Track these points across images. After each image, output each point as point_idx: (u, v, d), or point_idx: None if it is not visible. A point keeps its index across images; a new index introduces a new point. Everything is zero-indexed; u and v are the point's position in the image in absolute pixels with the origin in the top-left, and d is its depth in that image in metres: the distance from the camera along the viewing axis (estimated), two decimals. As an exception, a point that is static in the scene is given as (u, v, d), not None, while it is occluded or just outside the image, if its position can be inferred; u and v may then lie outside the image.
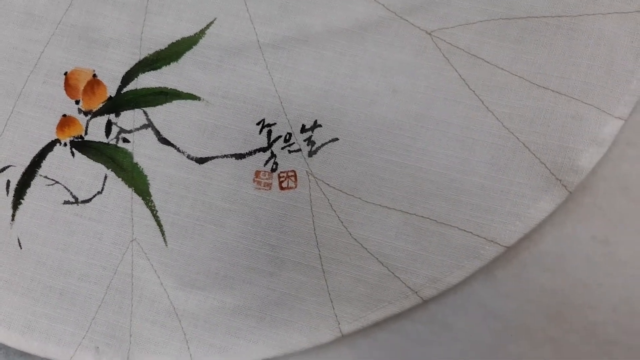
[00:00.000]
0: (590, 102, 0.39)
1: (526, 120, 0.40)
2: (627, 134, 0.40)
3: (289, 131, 0.40)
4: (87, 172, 0.42)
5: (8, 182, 0.41)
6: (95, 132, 0.42)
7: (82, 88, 0.43)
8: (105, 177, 0.42)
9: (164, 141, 0.41)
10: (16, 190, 0.42)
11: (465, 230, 0.39)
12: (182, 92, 0.42)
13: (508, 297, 0.39)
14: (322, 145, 0.40)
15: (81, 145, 0.42)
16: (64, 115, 0.42)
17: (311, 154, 0.40)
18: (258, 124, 0.41)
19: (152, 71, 0.42)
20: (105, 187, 0.42)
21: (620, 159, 0.40)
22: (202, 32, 0.42)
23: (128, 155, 0.42)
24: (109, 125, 0.42)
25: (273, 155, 0.40)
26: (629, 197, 0.39)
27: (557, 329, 0.38)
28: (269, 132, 0.41)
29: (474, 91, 0.40)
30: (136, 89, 0.42)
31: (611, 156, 0.40)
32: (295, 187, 0.40)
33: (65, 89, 0.43)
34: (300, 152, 0.40)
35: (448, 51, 0.40)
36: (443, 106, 0.40)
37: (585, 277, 0.39)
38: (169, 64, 0.42)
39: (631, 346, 0.38)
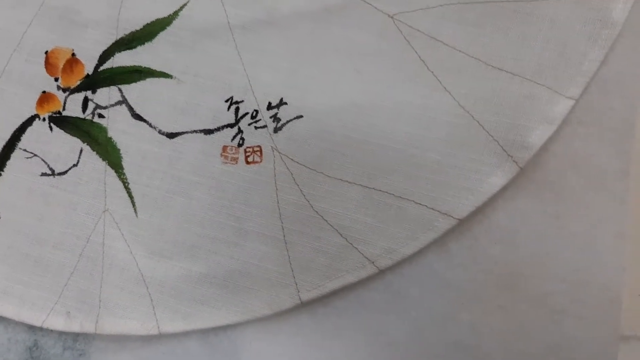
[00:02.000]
0: (543, 83, 0.41)
1: (481, 100, 0.41)
2: (579, 113, 0.42)
3: (256, 108, 0.42)
4: (63, 146, 0.44)
5: (-12, 154, 0.43)
6: (73, 108, 0.44)
7: (61, 66, 0.45)
8: (81, 151, 0.44)
9: (137, 117, 0.43)
10: (-4, 162, 0.44)
11: (420, 204, 0.40)
12: (155, 71, 0.44)
13: (461, 267, 0.40)
14: (287, 122, 0.42)
15: (59, 120, 0.44)
16: (44, 92, 0.44)
17: (276, 130, 0.42)
18: (227, 101, 0.43)
19: (127, 50, 0.44)
20: (80, 160, 0.43)
21: (571, 137, 0.41)
22: (175, 14, 0.44)
23: (103, 130, 0.44)
24: (85, 101, 0.44)
25: (240, 131, 0.42)
26: (579, 173, 0.41)
27: (508, 298, 0.40)
28: (237, 109, 0.43)
29: (432, 72, 0.42)
30: (112, 68, 0.44)
31: (563, 134, 0.41)
32: (261, 161, 0.42)
33: (46, 67, 0.45)
34: (266, 129, 0.42)
35: (409, 34, 0.42)
36: (403, 86, 0.42)
37: (536, 249, 0.40)
38: (143, 43, 0.44)
39: (580, 315, 0.40)
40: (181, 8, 0.44)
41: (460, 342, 0.40)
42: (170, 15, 0.44)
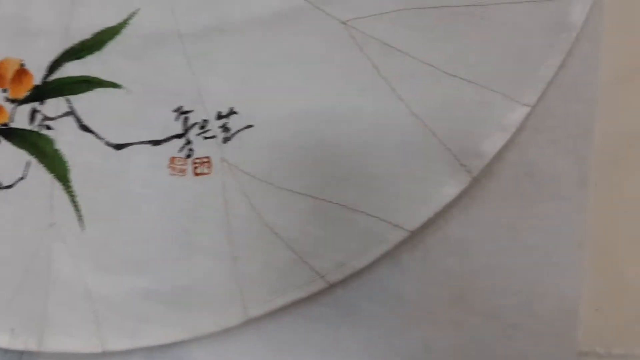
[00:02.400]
0: (498, 89, 0.40)
1: (434, 108, 0.40)
2: (535, 120, 0.40)
3: (205, 118, 0.41)
4: (11, 159, 0.43)
5: None
6: (21, 119, 0.43)
7: (10, 77, 0.44)
8: (28, 164, 0.42)
9: (85, 128, 0.42)
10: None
11: (372, 215, 0.39)
12: (104, 81, 0.43)
13: (413, 280, 0.39)
14: (237, 132, 0.41)
15: (6, 133, 0.43)
16: (-9, 104, 0.43)
17: (226, 140, 0.41)
18: (175, 111, 0.42)
19: (76, 60, 0.43)
20: (27, 173, 0.42)
21: (527, 144, 0.40)
22: (125, 22, 0.43)
23: (50, 141, 0.42)
24: (33, 112, 0.43)
25: (188, 141, 0.41)
26: (535, 182, 0.39)
27: (461, 312, 0.38)
28: (185, 119, 0.41)
29: (385, 79, 0.41)
30: (61, 78, 0.43)
31: (518, 142, 0.40)
32: (209, 173, 0.41)
33: (-6, 79, 0.44)
34: (215, 139, 0.41)
35: (362, 40, 0.41)
36: (356, 94, 0.40)
37: (490, 261, 0.39)
38: (92, 53, 0.43)
39: (535, 330, 0.38)
40: (131, 16, 0.43)
41: (412, 358, 0.38)
42: (119, 23, 0.43)
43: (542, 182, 0.40)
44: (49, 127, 0.43)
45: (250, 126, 0.41)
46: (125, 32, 0.43)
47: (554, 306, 0.38)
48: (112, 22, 0.43)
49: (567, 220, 0.39)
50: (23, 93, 0.43)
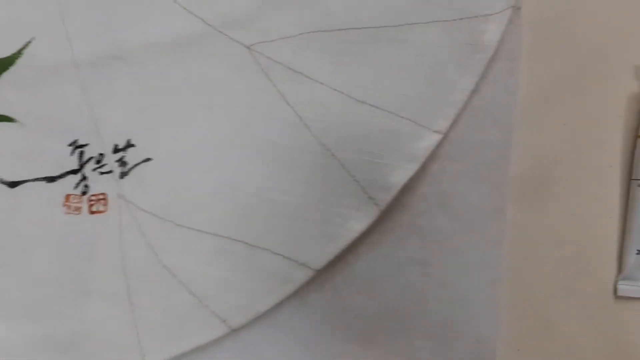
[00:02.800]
0: (407, 116, 0.37)
1: (342, 137, 0.37)
2: (449, 148, 0.38)
3: (102, 152, 0.38)
4: None
5: None
6: None
7: None
8: None
9: (-25, 165, 0.39)
10: None
11: (276, 254, 0.36)
12: (-4, 114, 0.40)
13: (320, 322, 0.36)
14: (135, 165, 0.38)
15: None
16: None
17: (123, 175, 0.38)
18: (70, 145, 0.39)
19: (-31, 93, 0.40)
20: None
21: (440, 174, 0.37)
22: (19, 53, 0.41)
23: (-61, 180, 0.40)
24: None
25: (84, 177, 0.38)
26: (449, 215, 0.37)
27: (372, 355, 0.36)
28: (81, 154, 0.39)
29: (292, 107, 0.38)
30: (-48, 112, 0.40)
31: (430, 172, 0.37)
32: (105, 210, 0.38)
33: None
34: (111, 174, 0.38)
35: (267, 66, 0.38)
36: (261, 123, 0.38)
37: (401, 300, 0.36)
38: (-15, 85, 0.40)
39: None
40: (25, 46, 0.40)
41: (319, 407, 0.36)
42: (13, 54, 0.40)
43: (456, 214, 0.37)
44: (-62, 165, 0.40)
45: (148, 159, 0.38)
46: (19, 62, 0.40)
47: (471, 348, 0.36)
48: (5, 52, 0.41)
49: (483, 254, 0.37)
50: None
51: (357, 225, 0.36)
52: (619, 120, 0.37)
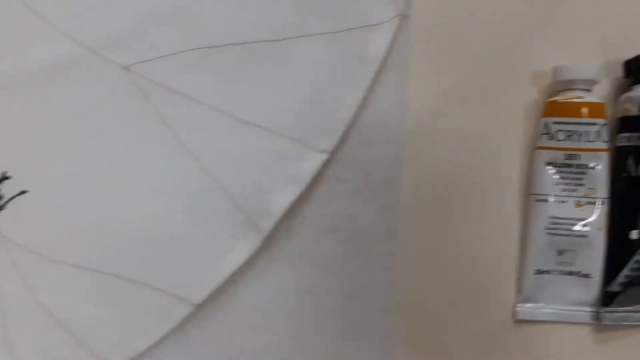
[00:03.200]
0: (292, 136, 0.35)
1: (225, 160, 0.35)
2: (337, 168, 0.36)
3: (-25, 186, 0.36)
4: None
5: None
6: None
7: None
8: None
9: None
10: None
11: (156, 288, 0.34)
12: None
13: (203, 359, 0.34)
14: (10, 199, 0.36)
15: None
16: None
17: (-2, 209, 0.36)
18: (-57, 180, 0.37)
19: None
20: None
21: (328, 196, 0.35)
22: None
23: None
24: None
25: (-43, 213, 0.36)
26: (338, 238, 0.35)
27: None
28: (-46, 189, 0.36)
29: (173, 130, 0.36)
30: None
31: (318, 194, 0.35)
32: (-21, 248, 0.36)
33: None
34: (-14, 209, 0.36)
35: (146, 87, 0.36)
36: (140, 148, 0.36)
37: (289, 332, 0.34)
38: None
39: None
40: None
41: None
42: None
43: (345, 238, 0.35)
44: None
45: (24, 192, 0.36)
46: None
47: (362, 381, 0.33)
48: None
49: (373, 280, 0.35)
50: None
51: (239, 255, 0.34)
52: (517, 130, 0.35)
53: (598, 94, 0.34)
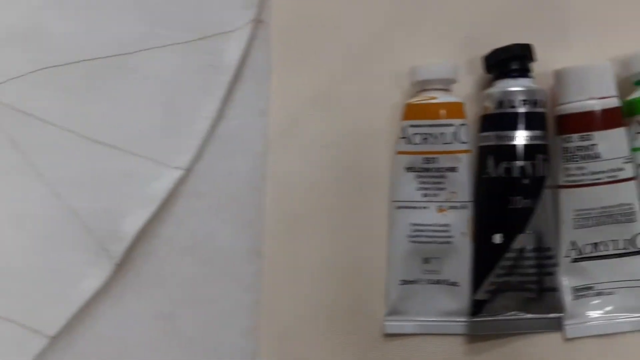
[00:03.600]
0: (145, 154, 0.33)
1: (76, 183, 0.34)
2: (194, 184, 0.34)
3: None
4: None
5: None
6: None
7: None
8: None
9: None
10: None
11: (9, 320, 0.32)
12: None
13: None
14: None
15: None
16: None
17: None
18: None
19: None
20: None
21: (186, 215, 0.33)
22: None
23: None
24: None
25: None
26: (198, 259, 0.33)
27: None
28: None
29: (24, 154, 0.34)
30: None
31: (175, 213, 0.33)
32: None
33: None
34: None
35: (-2, 111, 0.34)
36: (-9, 176, 0.34)
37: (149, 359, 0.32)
38: None
39: None
40: None
41: None
42: None
43: (205, 258, 0.33)
44: None
45: None
46: None
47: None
48: None
49: (236, 302, 0.33)
50: None
51: (93, 282, 0.32)
52: (382, 135, 0.33)
53: (461, 93, 0.33)
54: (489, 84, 0.32)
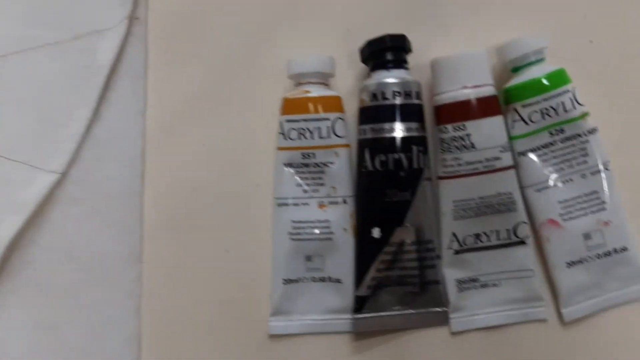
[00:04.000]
0: (19, 158, 0.32)
1: (-54, 193, 0.32)
2: (71, 189, 0.32)
3: None
4: None
5: None
6: None
7: None
8: None
9: None
10: None
11: None
12: None
13: None
14: None
15: None
16: None
17: None
18: None
19: None
20: None
21: (63, 221, 0.32)
22: None
23: None
24: None
25: None
26: (76, 266, 0.33)
27: None
28: None
29: None
30: None
31: (52, 219, 0.32)
32: None
33: None
34: None
35: None
36: None
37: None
38: None
39: None
40: None
41: None
42: None
43: (84, 265, 0.32)
44: None
45: None
46: None
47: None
48: None
49: (117, 309, 0.32)
50: None
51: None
52: (264, 132, 0.33)
53: (343, 87, 0.32)
54: (367, 76, 0.32)
